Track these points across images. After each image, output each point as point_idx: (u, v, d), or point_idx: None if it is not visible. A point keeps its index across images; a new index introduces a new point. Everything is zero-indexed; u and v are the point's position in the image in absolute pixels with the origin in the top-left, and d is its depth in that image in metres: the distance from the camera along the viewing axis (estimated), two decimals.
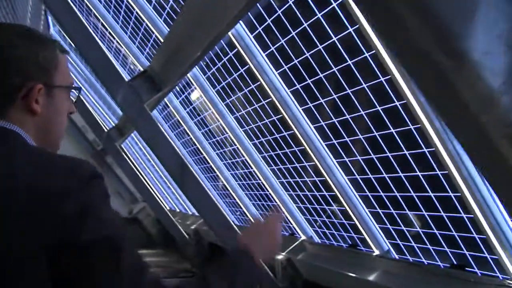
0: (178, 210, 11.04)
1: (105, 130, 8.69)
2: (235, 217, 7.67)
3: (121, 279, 0.99)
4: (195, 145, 7.07)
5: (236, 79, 4.57)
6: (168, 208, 11.56)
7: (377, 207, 4.00)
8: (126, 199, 12.89)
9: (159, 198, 10.26)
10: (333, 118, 3.65)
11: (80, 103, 9.39)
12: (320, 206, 4.98)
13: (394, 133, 3.20)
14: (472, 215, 2.97)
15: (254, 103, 4.60)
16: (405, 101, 2.77)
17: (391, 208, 3.85)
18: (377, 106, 3.14)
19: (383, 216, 4.03)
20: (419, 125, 2.83)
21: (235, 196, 6.99)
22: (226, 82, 4.81)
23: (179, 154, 4.86)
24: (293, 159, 4.76)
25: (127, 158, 9.38)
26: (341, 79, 3.25)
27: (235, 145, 5.68)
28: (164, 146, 4.83)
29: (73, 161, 1.06)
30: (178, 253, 10.29)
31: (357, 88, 3.20)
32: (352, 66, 3.08)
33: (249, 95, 4.59)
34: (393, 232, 4.08)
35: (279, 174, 5.31)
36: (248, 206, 6.89)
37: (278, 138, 4.69)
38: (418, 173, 3.26)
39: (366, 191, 3.97)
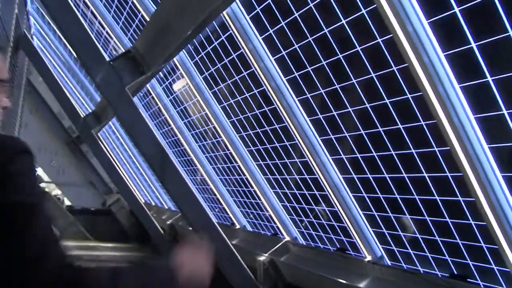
0: (153, 203, 10.67)
1: (82, 116, 8.26)
2: (214, 213, 7.36)
3: (31, 240, 1.12)
4: (176, 136, 6.72)
5: (226, 65, 4.25)
6: (143, 201, 11.17)
7: (373, 210, 3.73)
8: (100, 190, 12.44)
9: (134, 190, 9.87)
10: (333, 110, 3.36)
11: (57, 87, 8.93)
12: (308, 206, 4.69)
13: (402, 129, 2.92)
14: (484, 223, 2.71)
15: (245, 92, 4.29)
16: (421, 93, 2.49)
17: (388, 211, 3.57)
18: (385, 98, 2.86)
19: (378, 219, 3.75)
20: (434, 121, 2.56)
21: (215, 192, 6.67)
22: (215, 68, 4.49)
23: (160, 144, 4.53)
24: (283, 154, 4.47)
25: (103, 147, 8.97)
26: (346, 67, 2.96)
27: (220, 137, 5.36)
28: (144, 134, 4.49)
29: (5, 137, 1.19)
30: (152, 248, 9.93)
31: (364, 78, 2.91)
32: (361, 53, 2.79)
33: (239, 83, 4.27)
34: (388, 237, 3.81)
35: (266, 170, 5.01)
36: (229, 202, 6.58)
37: (268, 130, 4.39)
38: (425, 174, 2.99)
39: (363, 191, 3.69)
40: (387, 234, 3.78)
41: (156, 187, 9.70)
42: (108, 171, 9.12)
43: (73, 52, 7.17)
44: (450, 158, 2.62)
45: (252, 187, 5.39)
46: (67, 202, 12.68)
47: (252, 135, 4.71)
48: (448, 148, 2.56)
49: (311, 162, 3.90)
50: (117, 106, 4.35)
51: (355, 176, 3.66)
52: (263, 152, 4.75)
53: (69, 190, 12.61)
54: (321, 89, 3.31)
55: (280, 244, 5.32)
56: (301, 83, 3.47)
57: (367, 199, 3.70)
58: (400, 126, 2.90)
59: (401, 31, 2.35)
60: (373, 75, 2.82)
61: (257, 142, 4.72)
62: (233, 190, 6.16)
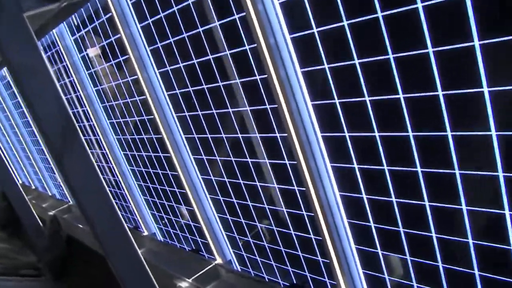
0: (33, 186, 8.83)
1: None
2: None
3: None
4: (82, 106, 5.20)
5: (187, 11, 2.92)
6: (20, 182, 9.29)
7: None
8: None
9: (10, 167, 8.05)
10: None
11: None
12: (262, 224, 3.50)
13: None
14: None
15: (208, 52, 2.98)
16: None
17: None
18: None
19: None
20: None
21: (123, 185, 5.24)
22: (167, 13, 3.12)
23: (66, 110, 3.15)
24: (245, 150, 3.23)
25: None
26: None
27: (150, 114, 4.00)
28: (46, 92, 3.11)
29: None
30: (24, 241, 8.13)
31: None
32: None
33: (204, 39, 2.96)
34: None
35: (207, 166, 3.73)
36: (138, 201, 5.18)
37: (215, 114, 3.13)
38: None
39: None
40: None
41: (40, 168, 7.94)
42: None
43: None
44: None
45: (179, 187, 4.07)
46: None
47: (202, 117, 3.40)
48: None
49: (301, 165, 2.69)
50: (7, 39, 2.88)
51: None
52: (212, 143, 3.47)
53: None
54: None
55: (209, 267, 4.04)
56: None
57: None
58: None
59: None
60: None
61: (206, 129, 3.43)
62: (149, 187, 4.77)
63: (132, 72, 3.76)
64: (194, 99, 3.36)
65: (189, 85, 3.32)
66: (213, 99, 3.17)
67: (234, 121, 3.09)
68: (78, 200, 3.23)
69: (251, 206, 3.41)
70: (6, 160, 7.62)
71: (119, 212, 3.19)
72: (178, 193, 4.22)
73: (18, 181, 7.93)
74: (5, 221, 9.29)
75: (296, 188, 2.88)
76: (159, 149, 4.11)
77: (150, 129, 4.10)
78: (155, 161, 4.32)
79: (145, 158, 4.47)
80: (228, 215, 3.73)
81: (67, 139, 3.25)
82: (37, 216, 7.11)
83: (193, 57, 3.11)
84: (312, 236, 2.99)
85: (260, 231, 3.50)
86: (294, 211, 3.01)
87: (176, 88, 3.48)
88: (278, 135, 2.79)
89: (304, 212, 2.93)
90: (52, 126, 3.13)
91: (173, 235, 4.78)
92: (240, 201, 3.51)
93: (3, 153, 7.87)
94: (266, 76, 2.53)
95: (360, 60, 2.07)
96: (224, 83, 2.98)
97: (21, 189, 7.30)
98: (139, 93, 3.88)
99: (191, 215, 4.21)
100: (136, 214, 5.17)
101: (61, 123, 3.19)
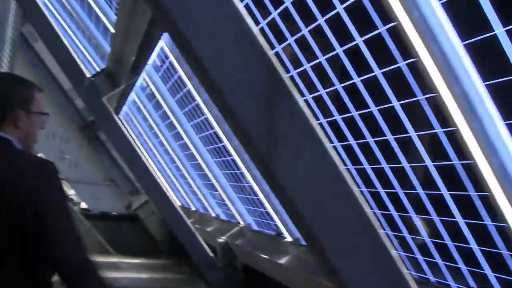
0: (194, 208, 7.72)
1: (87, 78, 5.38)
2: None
3: (67, 233, 1.80)
4: None
5: None
6: (179, 204, 8.28)
7: None
8: (123, 189, 9.60)
9: (167, 190, 7.07)
10: None
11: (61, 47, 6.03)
12: None
13: None
14: None
15: None
16: None
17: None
18: None
19: None
20: None
21: None
22: None
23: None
24: None
25: (124, 129, 6.21)
26: None
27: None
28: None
29: (41, 161, 1.97)
30: (192, 267, 7.05)
31: None
32: None
33: None
34: None
35: None
36: None
37: None
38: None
39: None
40: None
41: (198, 186, 6.79)
42: (129, 164, 6.39)
43: None
44: None
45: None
46: (82, 205, 9.89)
47: None
48: None
49: None
50: None
51: None
52: None
53: (84, 189, 9.79)
54: None
55: None
56: None
57: None
58: None
59: None
60: None
61: None
62: None
63: None
64: None
65: None
66: None
67: None
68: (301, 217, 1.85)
69: None
70: (162, 183, 6.65)
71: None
72: None
73: (176, 203, 6.89)
74: (168, 246, 8.42)
75: None
76: None
77: None
78: None
79: None
80: None
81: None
82: (205, 244, 5.96)
83: None
84: None
85: None
86: None
87: None
88: None
89: None
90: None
91: None
92: None
93: (158, 176, 6.91)
94: None
95: None
96: None
97: (182, 213, 6.24)
98: None
99: None
100: (276, 220, 4.02)
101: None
